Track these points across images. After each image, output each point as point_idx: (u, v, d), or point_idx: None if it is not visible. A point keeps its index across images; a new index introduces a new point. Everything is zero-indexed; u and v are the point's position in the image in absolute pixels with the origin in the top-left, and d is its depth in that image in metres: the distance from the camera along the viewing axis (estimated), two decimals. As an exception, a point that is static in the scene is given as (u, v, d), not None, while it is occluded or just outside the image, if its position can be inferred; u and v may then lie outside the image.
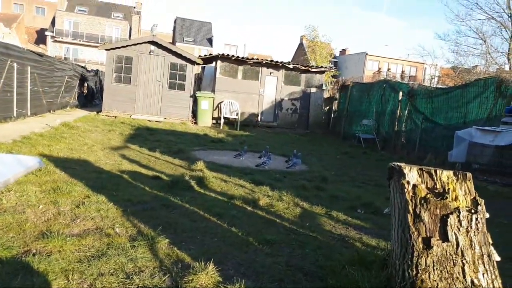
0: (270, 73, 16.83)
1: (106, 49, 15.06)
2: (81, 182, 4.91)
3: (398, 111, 12.35)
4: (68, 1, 46.69)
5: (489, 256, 2.44)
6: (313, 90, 17.43)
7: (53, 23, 44.83)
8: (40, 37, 46.74)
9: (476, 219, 2.43)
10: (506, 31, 25.41)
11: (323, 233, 4.09)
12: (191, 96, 15.76)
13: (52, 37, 44.28)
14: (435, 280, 2.37)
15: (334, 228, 4.31)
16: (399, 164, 2.67)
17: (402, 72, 49.70)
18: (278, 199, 5.17)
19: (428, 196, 2.51)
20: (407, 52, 49.23)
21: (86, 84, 20.41)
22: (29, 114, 11.08)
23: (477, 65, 28.09)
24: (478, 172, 8.46)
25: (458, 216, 2.43)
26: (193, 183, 5.46)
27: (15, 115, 10.07)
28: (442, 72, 35.08)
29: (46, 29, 45.32)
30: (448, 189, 2.51)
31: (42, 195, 4.22)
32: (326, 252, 3.51)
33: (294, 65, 17.01)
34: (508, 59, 25.22)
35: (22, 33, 40.55)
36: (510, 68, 24.63)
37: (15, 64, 9.75)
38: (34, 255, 2.83)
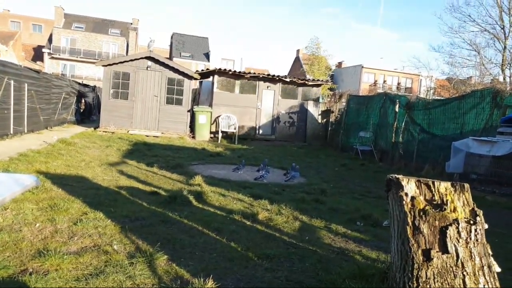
0: (267, 87, 16.92)
1: (103, 65, 15.15)
2: (78, 199, 4.88)
3: (395, 123, 12.41)
4: (65, 18, 47.08)
5: (489, 267, 2.43)
6: (310, 103, 17.53)
7: (50, 40, 45.11)
8: (37, 54, 47.02)
9: (475, 230, 2.43)
10: (499, 43, 25.76)
11: (323, 246, 4.06)
12: (188, 111, 15.82)
13: (49, 54, 44.50)
14: (436, 293, 2.35)
15: (334, 241, 4.29)
16: (397, 176, 2.67)
17: (398, 84, 50.10)
18: (277, 212, 5.15)
19: (426, 207, 2.51)
20: (402, 64, 49.81)
21: (83, 100, 20.46)
22: (26, 131, 11.07)
23: (471, 76, 28.37)
24: (476, 182, 8.48)
25: (457, 228, 2.43)
26: (191, 198, 5.44)
27: (11, 132, 10.06)
28: (438, 84, 35.39)
29: (43, 46, 45.57)
30: (447, 200, 2.52)
31: (39, 213, 4.19)
32: (326, 265, 3.48)
33: (291, 79, 17.12)
34: (502, 70, 25.50)
35: (19, 50, 40.77)
36: (504, 79, 24.87)
37: (12, 82, 9.79)
38: (31, 274, 2.80)
